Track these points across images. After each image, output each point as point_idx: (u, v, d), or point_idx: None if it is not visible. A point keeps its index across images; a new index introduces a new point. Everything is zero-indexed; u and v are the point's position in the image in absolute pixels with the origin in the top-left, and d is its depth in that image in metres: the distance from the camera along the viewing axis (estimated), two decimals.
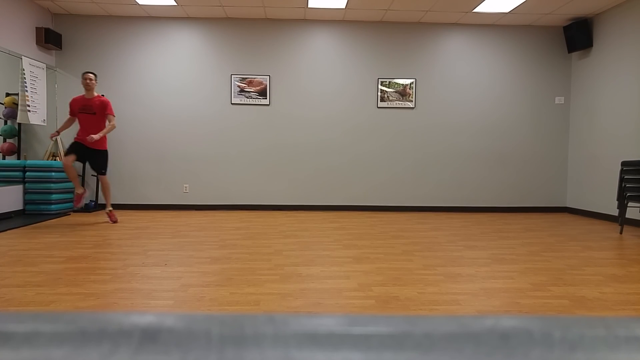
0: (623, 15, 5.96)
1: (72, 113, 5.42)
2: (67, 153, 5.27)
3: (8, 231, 4.77)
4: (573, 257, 3.87)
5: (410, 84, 6.95)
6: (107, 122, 5.39)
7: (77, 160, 5.33)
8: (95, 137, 5.11)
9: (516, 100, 7.07)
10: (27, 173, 5.87)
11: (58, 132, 5.46)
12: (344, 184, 7.00)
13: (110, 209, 5.53)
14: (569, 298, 2.73)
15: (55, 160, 6.50)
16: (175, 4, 6.18)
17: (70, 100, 5.48)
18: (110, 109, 5.40)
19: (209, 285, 2.88)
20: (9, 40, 5.76)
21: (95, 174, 5.46)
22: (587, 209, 6.64)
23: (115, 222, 5.48)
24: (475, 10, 6.31)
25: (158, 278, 3.05)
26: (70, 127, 5.72)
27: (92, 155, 5.39)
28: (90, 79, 5.30)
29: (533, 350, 0.37)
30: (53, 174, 5.92)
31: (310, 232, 4.96)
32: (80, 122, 5.37)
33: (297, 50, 6.88)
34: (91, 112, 5.31)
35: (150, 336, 0.37)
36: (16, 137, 6.39)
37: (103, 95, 5.78)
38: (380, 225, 5.56)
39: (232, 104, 6.87)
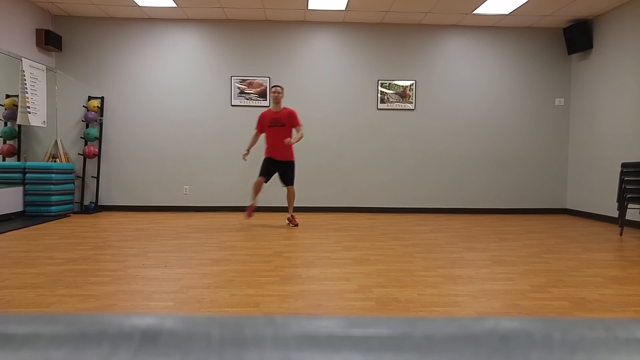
0: (623, 17, 5.96)
1: (262, 128, 5.37)
2: (262, 174, 5.32)
3: (8, 233, 4.77)
4: (573, 258, 3.87)
5: (410, 85, 6.96)
6: (295, 132, 5.36)
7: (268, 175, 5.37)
8: (293, 140, 5.13)
9: (516, 102, 7.08)
10: (27, 175, 5.87)
11: (248, 151, 5.39)
12: (344, 185, 7.00)
13: (293, 214, 5.54)
14: (569, 300, 2.73)
15: (55, 161, 6.50)
16: (175, 5, 6.18)
17: (259, 116, 5.43)
18: (298, 119, 5.37)
19: (209, 287, 2.88)
20: (9, 41, 5.77)
21: (285, 185, 5.37)
22: (587, 211, 6.64)
23: (296, 225, 5.49)
24: (475, 12, 6.31)
25: (158, 280, 3.05)
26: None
27: (282, 167, 5.35)
28: (279, 92, 5.28)
29: (533, 352, 0.37)
30: (53, 175, 5.92)
31: (310, 234, 4.95)
32: (269, 136, 5.30)
33: (297, 51, 6.89)
34: (281, 124, 5.27)
35: (150, 338, 0.37)
36: (16, 139, 6.39)
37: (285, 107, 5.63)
38: (380, 226, 5.56)
39: (232, 105, 6.87)
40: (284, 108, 5.36)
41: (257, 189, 5.34)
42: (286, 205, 6.90)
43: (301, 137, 5.30)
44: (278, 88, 5.29)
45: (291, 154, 5.36)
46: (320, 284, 3.00)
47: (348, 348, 0.37)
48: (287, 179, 5.38)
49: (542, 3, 5.94)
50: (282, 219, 6.17)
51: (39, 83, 6.30)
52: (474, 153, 7.07)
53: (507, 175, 7.11)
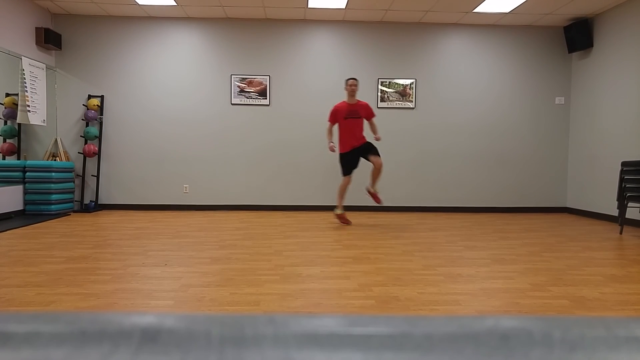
0: (623, 16, 5.96)
1: (336, 120, 5.38)
2: (346, 173, 5.36)
3: (8, 231, 4.77)
4: (573, 257, 3.87)
5: (411, 84, 6.95)
6: (365, 123, 5.45)
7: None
8: (380, 136, 5.22)
9: (516, 101, 7.08)
10: (27, 173, 5.88)
11: (332, 142, 5.37)
12: None
13: (371, 190, 5.51)
14: (569, 298, 2.73)
15: (55, 160, 6.50)
16: (175, 4, 6.18)
17: (332, 108, 5.42)
18: (373, 110, 5.49)
19: (209, 286, 2.88)
20: (8, 40, 5.76)
21: (374, 156, 5.31)
22: (587, 210, 6.64)
23: (379, 203, 5.57)
24: (475, 10, 6.31)
25: (158, 278, 3.05)
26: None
27: (362, 150, 5.35)
28: (356, 85, 5.32)
29: (533, 351, 0.37)
30: (53, 174, 5.92)
31: (310, 233, 4.96)
32: (345, 128, 5.33)
33: (297, 50, 6.88)
34: (357, 116, 5.33)
35: (150, 336, 0.37)
36: (16, 138, 6.39)
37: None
38: (380, 225, 5.56)
39: (232, 104, 6.87)
40: (359, 100, 5.41)
41: (344, 191, 5.42)
42: (286, 204, 6.93)
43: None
44: (355, 81, 5.32)
45: (364, 138, 5.39)
46: (320, 282, 3.00)
47: (348, 347, 0.37)
48: (373, 152, 5.32)
49: (543, 1, 5.93)
50: (282, 218, 6.17)
51: (39, 82, 6.29)
52: (474, 152, 7.07)
53: (507, 174, 7.11)
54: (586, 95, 6.71)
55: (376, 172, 5.35)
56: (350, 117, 5.31)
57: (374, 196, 5.51)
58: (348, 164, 5.37)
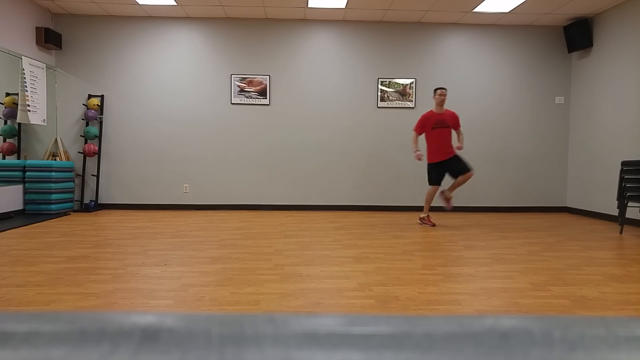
0: (623, 15, 5.95)
1: (423, 130, 5.39)
2: (435, 183, 5.38)
3: (8, 231, 4.77)
4: (573, 256, 3.87)
5: (410, 83, 6.95)
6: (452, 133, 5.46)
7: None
8: (462, 145, 5.27)
9: (516, 100, 7.07)
10: (27, 173, 5.87)
11: (419, 150, 5.34)
12: (344, 183, 7.00)
13: (448, 194, 5.53)
14: (569, 298, 2.73)
15: (55, 160, 6.50)
16: (175, 3, 6.17)
17: (420, 117, 5.43)
18: (459, 120, 5.52)
19: (209, 285, 2.88)
20: (8, 40, 5.76)
21: (463, 173, 5.30)
22: (587, 209, 6.64)
23: (449, 208, 5.62)
24: (475, 10, 6.31)
25: (158, 278, 3.05)
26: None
27: (450, 163, 5.34)
28: (445, 94, 5.35)
29: (533, 350, 0.37)
30: (53, 173, 5.92)
31: (310, 232, 4.96)
32: (433, 138, 5.34)
33: (297, 50, 6.88)
34: (445, 125, 5.33)
35: (150, 336, 0.37)
36: (16, 137, 6.39)
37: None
38: (380, 225, 5.56)
39: (232, 103, 6.87)
40: (447, 110, 5.43)
41: (431, 199, 5.46)
42: (286, 203, 6.93)
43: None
44: (444, 90, 5.35)
45: (453, 149, 5.38)
46: (320, 282, 3.00)
47: (348, 346, 0.37)
48: (463, 168, 5.29)
49: (542, 1, 5.93)
50: (282, 217, 6.18)
51: (39, 81, 6.29)
52: (474, 151, 7.07)
53: (507, 173, 7.11)
54: (586, 94, 6.70)
55: (462, 180, 5.34)
56: (438, 126, 5.32)
57: (448, 200, 5.54)
58: (436, 175, 5.40)
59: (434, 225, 5.52)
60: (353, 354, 0.36)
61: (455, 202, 7.06)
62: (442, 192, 5.53)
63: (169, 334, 0.37)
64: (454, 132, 5.58)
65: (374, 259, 3.69)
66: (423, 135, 5.52)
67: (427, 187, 7.06)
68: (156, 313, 0.39)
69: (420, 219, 5.61)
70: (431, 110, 5.43)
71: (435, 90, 5.36)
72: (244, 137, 6.90)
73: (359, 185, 7.02)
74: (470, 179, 5.44)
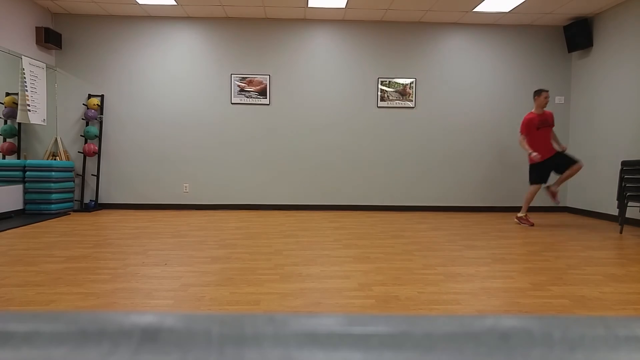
0: (623, 15, 5.95)
1: (529, 131, 5.50)
2: (537, 182, 5.48)
3: (8, 231, 4.78)
4: (573, 256, 3.87)
5: (410, 83, 6.95)
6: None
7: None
8: (565, 146, 5.41)
9: (516, 100, 7.07)
10: (27, 173, 5.88)
11: (535, 153, 5.39)
12: (344, 183, 7.00)
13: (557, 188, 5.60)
14: (569, 298, 2.73)
15: (55, 159, 6.50)
16: (175, 3, 6.17)
17: (524, 119, 5.53)
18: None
19: (209, 285, 2.88)
20: (8, 39, 5.76)
21: (570, 166, 5.41)
22: (587, 209, 6.64)
23: (556, 202, 5.65)
24: (475, 9, 6.30)
25: (158, 278, 3.05)
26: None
27: (554, 160, 5.46)
28: (549, 97, 5.52)
29: (533, 350, 0.37)
30: (53, 173, 5.92)
31: (310, 232, 4.96)
32: (538, 139, 5.48)
33: (297, 49, 6.88)
34: (548, 125, 5.49)
35: (150, 336, 0.37)
36: (16, 137, 6.40)
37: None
38: (380, 225, 5.56)
39: (232, 103, 6.87)
40: (545, 110, 5.58)
41: (532, 198, 5.56)
42: (286, 203, 6.93)
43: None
44: (549, 93, 5.50)
45: (553, 147, 5.52)
46: (320, 282, 3.00)
47: (348, 346, 0.37)
48: (569, 161, 5.41)
49: (542, 1, 5.93)
50: (282, 217, 6.17)
51: (39, 81, 6.29)
52: (474, 151, 7.07)
53: (507, 173, 7.11)
54: (586, 94, 6.70)
55: (570, 173, 5.41)
56: (542, 126, 5.48)
57: (554, 195, 5.58)
58: (540, 174, 5.49)
59: (532, 224, 5.59)
60: (353, 354, 0.36)
61: (455, 202, 7.07)
62: (549, 188, 5.59)
63: (169, 334, 0.37)
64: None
65: (374, 259, 3.69)
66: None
67: (427, 187, 7.10)
68: (156, 313, 0.39)
69: (518, 218, 5.68)
70: (531, 112, 5.56)
71: (540, 92, 5.48)
72: (244, 137, 6.90)
73: (358, 185, 7.02)
74: (579, 170, 5.57)
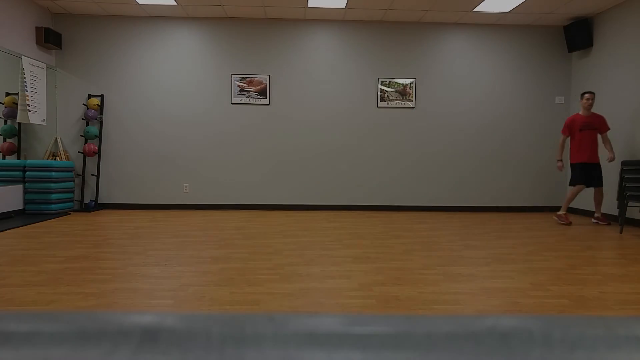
0: (623, 15, 5.95)
1: (571, 132, 5.58)
2: (578, 182, 5.52)
3: (8, 231, 4.78)
4: (573, 256, 3.87)
5: (410, 83, 6.95)
6: (600, 137, 5.67)
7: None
8: (613, 155, 5.42)
9: (516, 100, 7.07)
10: (27, 173, 5.88)
11: (562, 160, 5.63)
12: (344, 183, 7.00)
13: (599, 215, 5.69)
14: (569, 297, 2.73)
15: (55, 159, 6.50)
16: (175, 3, 6.17)
17: (567, 120, 5.64)
18: (607, 124, 5.67)
19: (209, 285, 2.88)
20: (8, 39, 5.76)
21: (596, 186, 5.58)
22: (587, 209, 6.64)
23: (606, 223, 5.68)
24: (475, 9, 6.30)
25: (158, 278, 3.05)
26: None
27: (593, 169, 5.53)
28: (590, 99, 5.51)
29: (533, 350, 0.37)
30: (53, 173, 5.92)
31: (310, 232, 4.96)
32: (580, 140, 5.52)
33: (297, 49, 6.88)
34: (593, 127, 5.51)
35: (150, 336, 0.37)
36: (16, 137, 6.39)
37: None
38: (380, 224, 5.56)
39: (232, 103, 6.87)
40: (593, 112, 5.59)
41: (573, 197, 5.58)
42: (286, 203, 6.93)
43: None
44: (591, 95, 5.52)
45: (598, 156, 5.59)
46: (320, 281, 3.00)
47: (348, 346, 0.37)
48: (598, 180, 5.54)
49: (542, 1, 5.93)
50: (282, 217, 6.18)
51: (39, 81, 6.29)
52: (474, 151, 7.07)
53: (507, 173, 7.11)
54: None
55: (600, 198, 5.58)
56: (585, 128, 5.50)
57: (600, 219, 5.69)
58: (580, 175, 5.53)
59: (570, 223, 5.64)
60: (353, 354, 0.36)
61: (455, 202, 7.07)
62: (597, 218, 5.69)
63: (169, 334, 0.37)
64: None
65: (374, 258, 3.69)
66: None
67: (427, 187, 7.10)
68: (156, 313, 0.39)
69: (557, 215, 5.75)
70: (577, 114, 5.61)
71: (583, 94, 5.56)
72: (244, 137, 6.90)
73: (359, 185, 7.03)
74: (603, 197, 5.68)
